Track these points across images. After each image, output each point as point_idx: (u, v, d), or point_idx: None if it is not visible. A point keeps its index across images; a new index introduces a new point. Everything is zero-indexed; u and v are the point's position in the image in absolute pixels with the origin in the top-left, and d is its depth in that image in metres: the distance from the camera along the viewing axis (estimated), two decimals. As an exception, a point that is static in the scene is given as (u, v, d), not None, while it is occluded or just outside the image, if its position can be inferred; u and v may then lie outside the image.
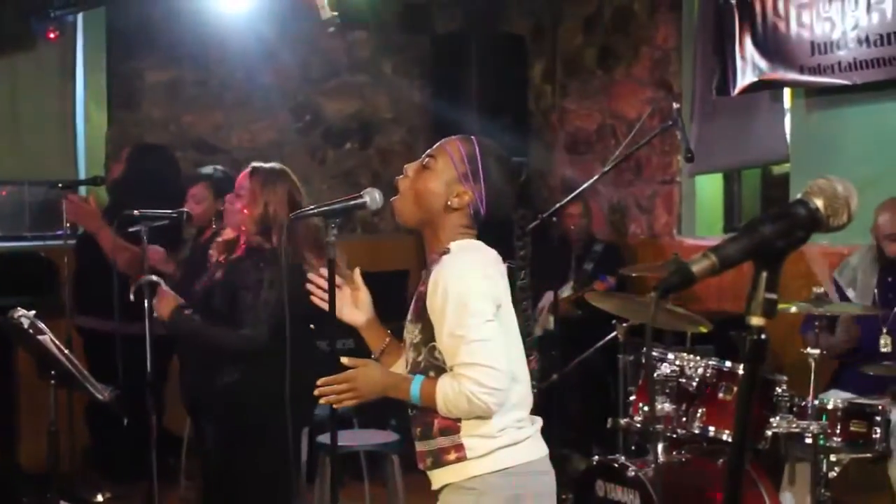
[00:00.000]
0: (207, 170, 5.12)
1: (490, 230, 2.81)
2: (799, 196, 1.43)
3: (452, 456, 2.62)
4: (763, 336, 1.40)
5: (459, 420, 2.61)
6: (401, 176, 2.81)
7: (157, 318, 4.16)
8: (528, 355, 2.76)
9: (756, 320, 1.40)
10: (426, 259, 2.77)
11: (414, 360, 2.70)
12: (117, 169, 5.73)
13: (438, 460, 2.65)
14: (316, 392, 2.72)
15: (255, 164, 4.18)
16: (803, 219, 1.40)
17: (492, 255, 2.73)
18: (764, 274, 1.40)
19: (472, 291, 2.57)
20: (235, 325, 4.01)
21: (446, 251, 2.67)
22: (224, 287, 4.08)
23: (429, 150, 2.79)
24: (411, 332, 2.71)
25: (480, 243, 2.73)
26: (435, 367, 2.63)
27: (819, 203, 1.41)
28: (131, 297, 4.36)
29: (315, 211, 3.07)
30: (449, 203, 2.69)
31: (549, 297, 6.09)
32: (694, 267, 1.40)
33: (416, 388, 2.62)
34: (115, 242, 4.94)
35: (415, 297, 2.73)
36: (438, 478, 2.68)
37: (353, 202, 3.05)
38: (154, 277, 4.33)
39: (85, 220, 5.18)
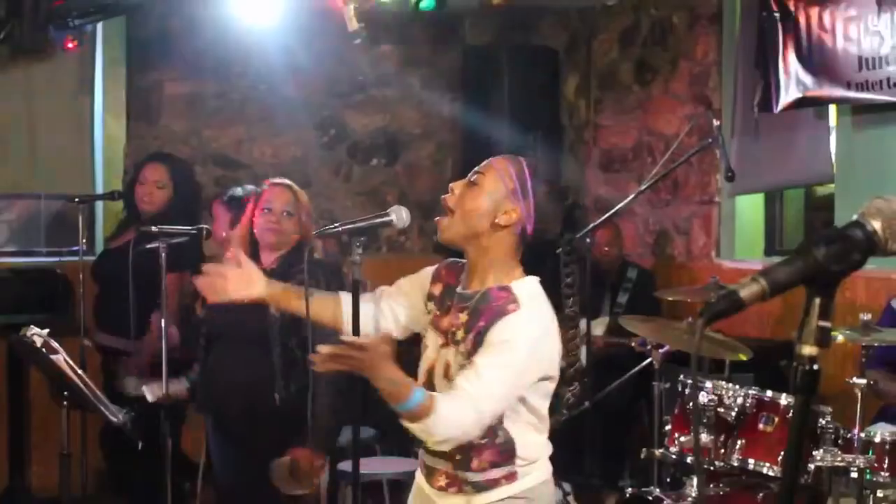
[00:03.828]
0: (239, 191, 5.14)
1: (533, 255, 2.86)
2: (855, 217, 1.39)
3: (503, 482, 2.77)
4: (815, 367, 1.36)
5: (514, 453, 2.75)
6: (447, 195, 2.85)
7: None
8: (569, 385, 2.86)
9: (808, 350, 1.35)
10: (467, 276, 2.84)
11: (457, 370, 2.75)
12: (151, 192, 5.53)
13: (484, 487, 2.77)
14: (323, 350, 2.59)
15: (282, 180, 4.26)
16: (859, 241, 1.36)
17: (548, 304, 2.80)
18: (817, 300, 1.35)
19: (530, 356, 2.67)
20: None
21: (508, 292, 2.73)
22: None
23: (476, 168, 2.84)
24: (460, 366, 2.74)
25: (539, 286, 2.80)
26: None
27: (876, 225, 1.37)
28: None
29: (339, 229, 3.05)
30: (497, 220, 2.76)
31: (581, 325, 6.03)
32: (742, 292, 1.36)
33: (419, 397, 2.59)
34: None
35: (471, 334, 2.74)
36: (482, 500, 2.79)
37: (378, 220, 3.05)
38: None
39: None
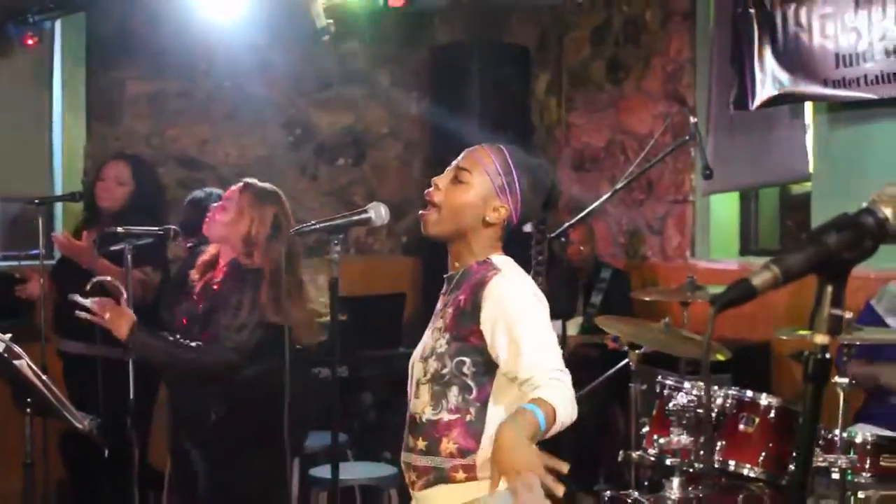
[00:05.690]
0: (199, 194, 5.15)
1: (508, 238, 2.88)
2: (865, 204, 1.40)
3: (461, 475, 2.68)
4: (827, 355, 1.37)
5: (478, 439, 2.67)
6: (430, 189, 2.83)
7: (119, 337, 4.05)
8: None
9: (820, 338, 1.37)
10: (450, 263, 2.85)
11: (437, 371, 2.72)
12: (111, 189, 5.52)
13: (444, 478, 2.69)
14: None
15: (248, 179, 4.19)
16: (871, 228, 1.37)
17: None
18: (829, 288, 1.37)
19: (540, 307, 2.69)
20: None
21: (488, 263, 2.75)
22: (204, 315, 4.04)
23: (458, 163, 2.84)
24: (435, 341, 2.75)
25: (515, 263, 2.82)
26: (461, 381, 2.69)
27: (888, 211, 1.39)
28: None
29: (317, 227, 3.04)
30: (487, 218, 2.78)
31: (556, 325, 6.04)
32: (755, 280, 1.37)
33: (542, 417, 2.46)
34: (111, 271, 4.88)
35: (450, 307, 2.75)
36: (438, 496, 2.71)
37: (357, 217, 3.05)
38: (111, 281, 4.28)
39: (79, 256, 5.14)
